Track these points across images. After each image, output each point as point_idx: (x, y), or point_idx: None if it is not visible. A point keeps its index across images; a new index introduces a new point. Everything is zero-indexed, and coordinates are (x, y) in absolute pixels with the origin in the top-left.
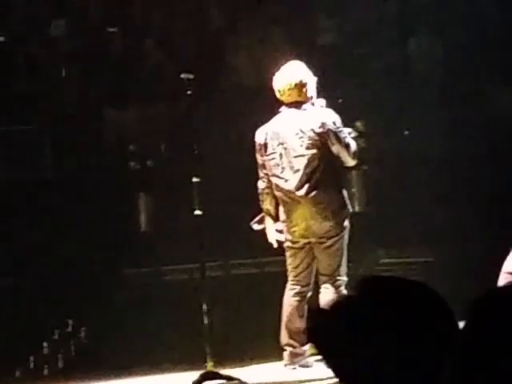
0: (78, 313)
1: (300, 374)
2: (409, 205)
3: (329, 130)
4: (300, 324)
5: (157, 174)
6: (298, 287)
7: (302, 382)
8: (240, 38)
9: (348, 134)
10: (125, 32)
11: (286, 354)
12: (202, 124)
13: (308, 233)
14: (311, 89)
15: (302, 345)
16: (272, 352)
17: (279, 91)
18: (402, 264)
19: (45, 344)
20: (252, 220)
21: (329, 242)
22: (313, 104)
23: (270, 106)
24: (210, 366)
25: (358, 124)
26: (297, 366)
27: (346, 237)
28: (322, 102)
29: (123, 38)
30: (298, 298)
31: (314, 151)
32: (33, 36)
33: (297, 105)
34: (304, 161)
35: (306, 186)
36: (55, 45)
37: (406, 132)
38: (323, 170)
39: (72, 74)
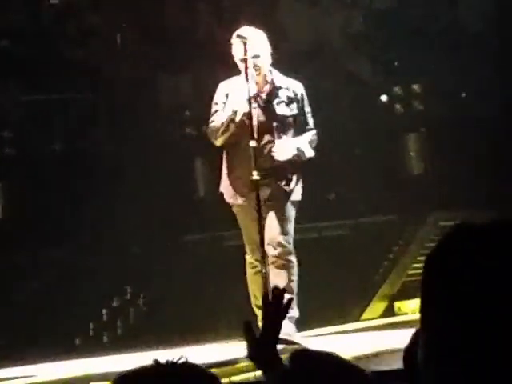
0: (136, 280)
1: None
2: (468, 167)
3: None
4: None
5: None
6: None
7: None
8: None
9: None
10: None
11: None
12: None
13: None
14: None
15: None
16: (333, 316)
17: None
18: None
19: (104, 311)
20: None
21: None
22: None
23: (324, 69)
24: None
25: (415, 87)
26: None
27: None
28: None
29: (177, 4)
30: None
31: None
32: (86, 3)
33: None
34: None
35: None
36: (109, 11)
37: (463, 94)
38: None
39: (127, 40)
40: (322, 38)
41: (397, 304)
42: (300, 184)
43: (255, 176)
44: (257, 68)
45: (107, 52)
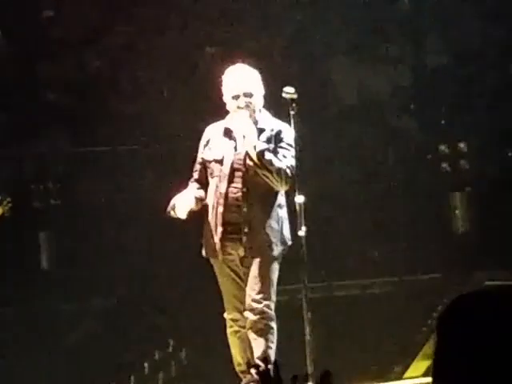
0: (178, 333)
1: None
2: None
3: None
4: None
5: None
6: None
7: None
8: (343, 56)
9: None
10: (221, 51)
11: None
12: (304, 143)
13: None
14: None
15: None
16: (376, 374)
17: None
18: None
19: (145, 364)
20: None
21: None
22: None
23: (369, 124)
24: None
25: (462, 145)
26: None
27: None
28: None
29: (220, 56)
30: None
31: None
32: (133, 59)
33: None
34: None
35: None
36: (156, 66)
37: (510, 154)
38: None
39: (173, 93)
40: (369, 94)
41: None
42: (280, 237)
43: (301, 232)
44: (249, 107)
45: (154, 105)
